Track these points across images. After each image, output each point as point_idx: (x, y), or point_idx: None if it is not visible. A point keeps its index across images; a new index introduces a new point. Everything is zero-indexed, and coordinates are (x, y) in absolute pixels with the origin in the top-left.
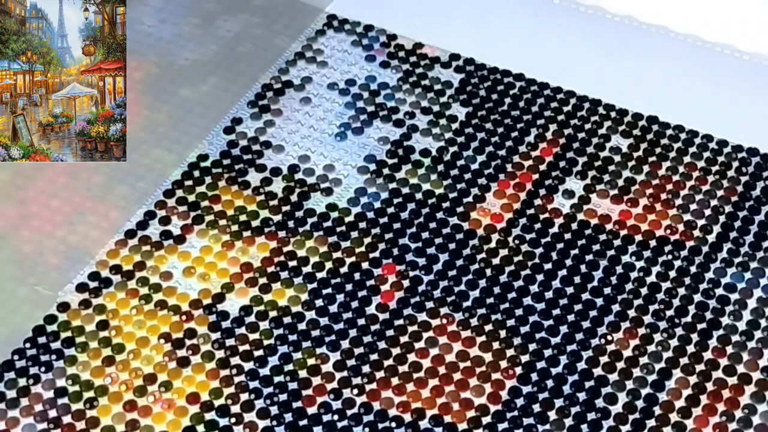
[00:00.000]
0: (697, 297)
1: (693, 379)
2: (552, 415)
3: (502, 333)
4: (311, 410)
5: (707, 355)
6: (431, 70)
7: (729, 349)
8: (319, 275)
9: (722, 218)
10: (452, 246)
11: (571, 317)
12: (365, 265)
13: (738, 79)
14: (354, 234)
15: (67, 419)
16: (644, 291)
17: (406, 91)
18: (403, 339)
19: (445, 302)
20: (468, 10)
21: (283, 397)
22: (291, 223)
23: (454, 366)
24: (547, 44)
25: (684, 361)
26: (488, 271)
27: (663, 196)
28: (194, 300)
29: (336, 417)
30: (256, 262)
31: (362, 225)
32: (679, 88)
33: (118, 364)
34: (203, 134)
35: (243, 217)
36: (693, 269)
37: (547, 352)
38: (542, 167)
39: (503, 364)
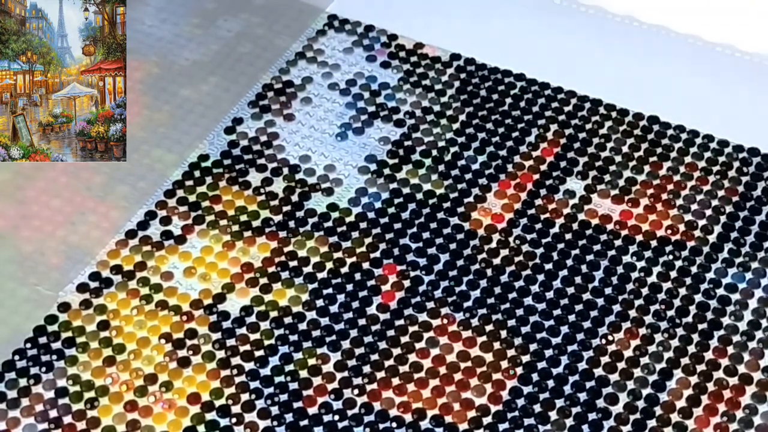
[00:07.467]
0: (698, 297)
1: (694, 380)
2: (553, 415)
3: (503, 333)
4: (312, 410)
5: (708, 355)
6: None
7: (730, 350)
8: (320, 275)
9: (723, 218)
10: (453, 246)
11: (571, 317)
12: (366, 265)
13: (738, 79)
14: (355, 234)
15: (67, 419)
16: (645, 291)
17: (406, 91)
18: (404, 339)
19: (446, 302)
20: (468, 10)
21: (284, 397)
22: (292, 224)
23: (455, 366)
24: (548, 44)
25: (685, 361)
26: (489, 272)
27: (664, 196)
28: (195, 300)
29: (337, 417)
30: (256, 263)
31: (363, 225)
32: (680, 88)
33: (119, 365)
34: (204, 134)
35: (244, 218)
36: (694, 269)
37: (548, 353)
38: (543, 167)
39: (504, 364)
